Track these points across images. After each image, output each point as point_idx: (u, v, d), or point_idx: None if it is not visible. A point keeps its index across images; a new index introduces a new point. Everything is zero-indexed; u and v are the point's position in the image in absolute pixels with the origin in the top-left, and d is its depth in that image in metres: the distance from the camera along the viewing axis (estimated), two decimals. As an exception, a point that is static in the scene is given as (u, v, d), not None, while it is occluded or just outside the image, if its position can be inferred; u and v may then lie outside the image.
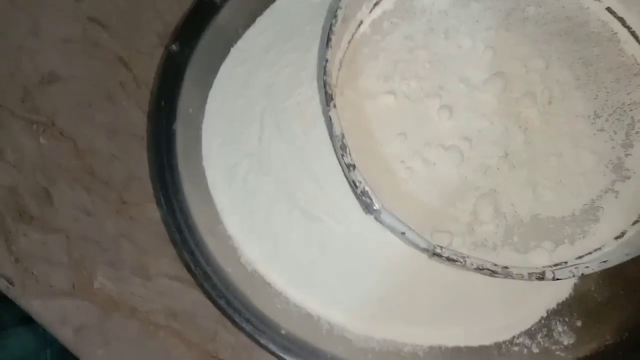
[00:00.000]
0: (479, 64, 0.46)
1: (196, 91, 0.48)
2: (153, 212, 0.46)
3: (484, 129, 0.44)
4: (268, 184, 0.45)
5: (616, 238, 0.42)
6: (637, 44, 0.47)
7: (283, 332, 0.40)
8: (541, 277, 0.36)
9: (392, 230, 0.37)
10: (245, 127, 0.47)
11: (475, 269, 0.36)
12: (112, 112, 0.50)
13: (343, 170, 0.39)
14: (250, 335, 0.39)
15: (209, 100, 0.48)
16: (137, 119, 0.50)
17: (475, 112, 0.45)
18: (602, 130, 0.44)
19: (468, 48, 0.46)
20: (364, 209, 0.41)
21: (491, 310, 0.43)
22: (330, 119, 0.38)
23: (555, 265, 0.40)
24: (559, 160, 0.43)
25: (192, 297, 0.44)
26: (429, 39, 0.47)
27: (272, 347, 0.39)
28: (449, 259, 0.36)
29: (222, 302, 0.40)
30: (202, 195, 0.45)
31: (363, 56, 0.47)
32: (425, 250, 0.37)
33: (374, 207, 0.37)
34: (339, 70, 0.46)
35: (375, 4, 0.48)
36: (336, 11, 0.41)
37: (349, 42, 0.47)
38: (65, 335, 0.44)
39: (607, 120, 0.45)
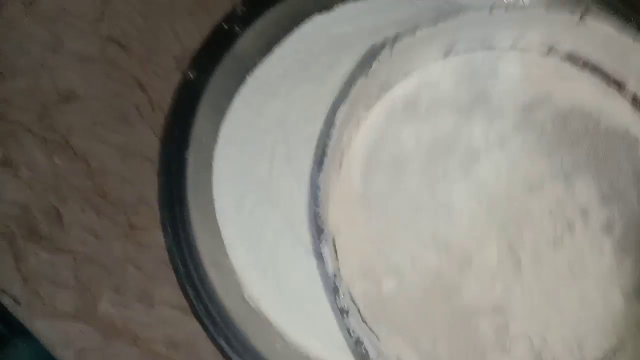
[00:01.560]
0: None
1: (210, 119, 0.48)
2: (160, 238, 0.46)
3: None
4: (274, 218, 0.44)
5: None
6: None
7: (280, 375, 0.40)
8: None
9: None
10: (256, 158, 0.47)
11: None
12: (126, 134, 0.50)
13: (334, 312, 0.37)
14: (246, 377, 0.39)
15: (222, 128, 0.48)
16: (151, 143, 0.50)
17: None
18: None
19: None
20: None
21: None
22: (322, 255, 0.36)
23: None
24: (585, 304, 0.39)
25: (194, 328, 0.43)
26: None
27: (268, 390, 0.39)
28: None
29: (220, 340, 0.40)
30: (209, 226, 0.45)
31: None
32: None
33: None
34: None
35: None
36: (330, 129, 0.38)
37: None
38: (66, 357, 0.44)
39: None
